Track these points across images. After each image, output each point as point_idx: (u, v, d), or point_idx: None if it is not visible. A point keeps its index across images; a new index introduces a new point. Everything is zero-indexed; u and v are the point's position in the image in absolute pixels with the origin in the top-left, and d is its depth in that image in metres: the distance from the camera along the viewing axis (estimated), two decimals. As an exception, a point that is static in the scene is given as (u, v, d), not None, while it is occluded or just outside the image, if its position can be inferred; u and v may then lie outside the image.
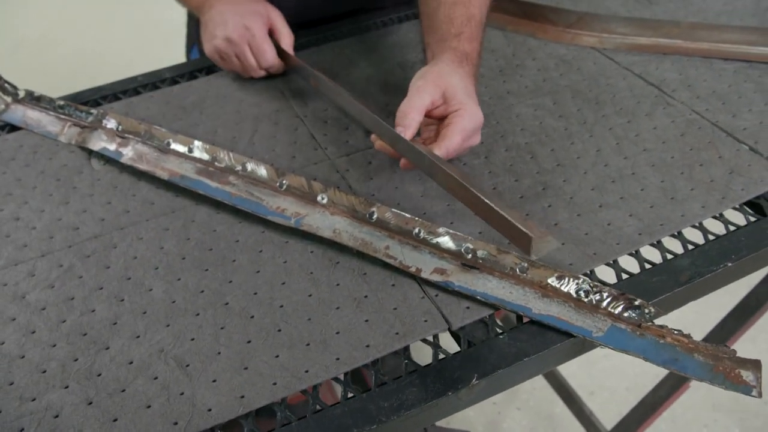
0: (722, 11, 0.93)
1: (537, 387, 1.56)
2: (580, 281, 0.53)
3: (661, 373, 1.10)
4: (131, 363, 0.52)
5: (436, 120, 0.63)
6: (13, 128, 0.78)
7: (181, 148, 0.68)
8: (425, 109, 0.61)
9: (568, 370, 1.56)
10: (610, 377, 1.57)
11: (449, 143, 0.59)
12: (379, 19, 0.95)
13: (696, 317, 1.13)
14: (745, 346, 1.58)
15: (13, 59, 2.88)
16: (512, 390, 1.55)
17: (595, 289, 0.53)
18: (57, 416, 0.48)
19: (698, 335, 0.54)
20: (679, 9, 0.94)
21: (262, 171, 0.65)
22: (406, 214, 0.59)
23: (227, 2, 0.77)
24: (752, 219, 0.61)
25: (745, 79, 0.79)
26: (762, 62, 0.82)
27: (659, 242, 0.59)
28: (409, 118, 0.59)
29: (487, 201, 0.51)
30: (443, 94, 0.62)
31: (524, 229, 0.47)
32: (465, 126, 0.61)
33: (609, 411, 1.44)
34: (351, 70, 0.84)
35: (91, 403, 0.49)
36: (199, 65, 0.87)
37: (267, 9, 0.78)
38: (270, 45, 0.77)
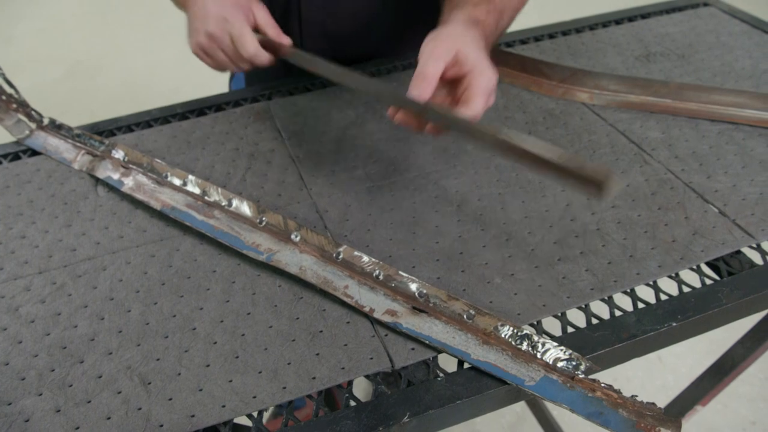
0: (719, 71, 0.95)
1: (539, 433, 1.55)
2: (521, 331, 0.56)
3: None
4: (100, 377, 0.57)
5: (446, 83, 0.63)
6: (33, 153, 0.86)
7: (177, 181, 0.74)
8: (439, 74, 0.60)
9: (570, 418, 1.55)
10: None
11: (475, 106, 0.59)
12: (383, 66, 1.00)
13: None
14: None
15: (67, 82, 3.06)
16: (513, 433, 1.55)
17: (534, 340, 0.55)
18: (27, 420, 0.53)
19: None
20: (676, 68, 0.96)
21: (245, 207, 0.70)
22: (368, 257, 0.63)
23: None
24: (707, 281, 0.63)
25: (728, 141, 0.80)
26: (748, 125, 0.83)
27: (610, 298, 0.62)
28: (426, 83, 0.59)
29: (544, 156, 0.50)
30: (455, 56, 0.61)
31: (593, 176, 0.46)
32: (486, 86, 0.60)
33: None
34: (347, 112, 0.90)
35: (59, 411, 0.54)
36: (210, 103, 0.94)
37: (250, 2, 0.77)
38: (251, 34, 0.74)
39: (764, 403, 1.58)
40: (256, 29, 0.77)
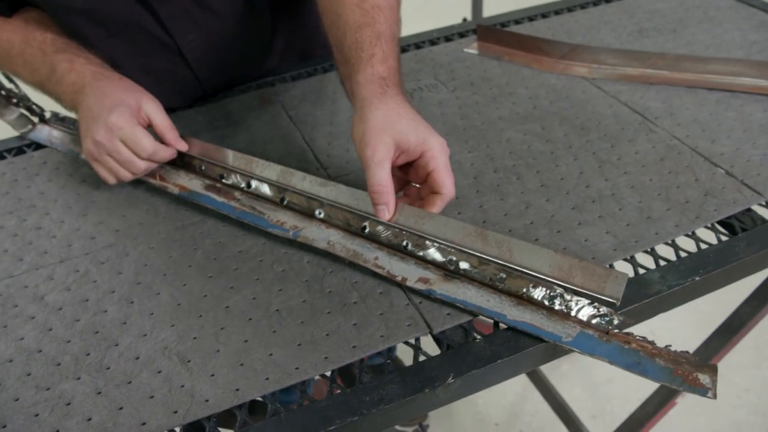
0: (710, 44, 0.98)
1: (540, 410, 1.57)
2: (554, 291, 0.57)
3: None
4: (138, 358, 0.56)
5: (396, 168, 0.63)
6: (38, 146, 0.85)
7: (192, 166, 0.74)
8: (389, 174, 0.59)
9: (573, 393, 1.58)
10: (613, 401, 1.58)
11: (450, 186, 0.60)
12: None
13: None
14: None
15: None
16: (515, 412, 1.57)
17: (566, 299, 0.56)
18: (69, 404, 0.53)
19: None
20: (668, 41, 0.99)
21: (265, 188, 0.70)
22: (397, 227, 0.63)
23: (97, 93, 0.70)
24: (723, 238, 0.65)
25: (727, 107, 0.83)
26: (744, 92, 0.86)
27: (632, 257, 0.63)
28: (385, 195, 0.59)
29: (540, 276, 0.56)
30: (396, 146, 0.59)
31: (604, 297, 0.54)
32: (444, 161, 0.60)
33: (610, 435, 1.46)
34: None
35: (100, 393, 0.54)
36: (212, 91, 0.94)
37: (139, 99, 0.70)
38: (143, 132, 0.69)
39: (757, 371, 1.62)
40: (148, 128, 0.72)
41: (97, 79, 0.71)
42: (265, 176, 0.69)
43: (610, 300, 0.53)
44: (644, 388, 1.60)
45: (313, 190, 0.66)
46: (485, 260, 0.60)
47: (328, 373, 0.54)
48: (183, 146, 0.73)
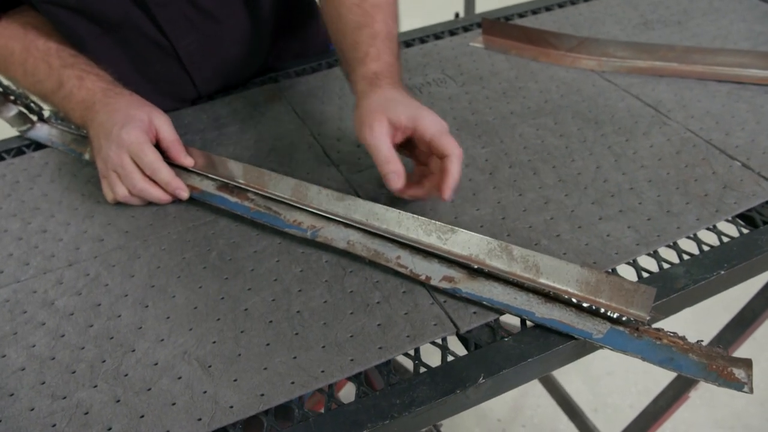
0: (717, 35, 0.97)
1: (542, 405, 1.57)
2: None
3: (663, 387, 1.12)
4: (156, 364, 0.55)
5: (401, 147, 0.66)
6: (38, 146, 0.82)
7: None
8: (391, 146, 0.62)
9: (573, 387, 1.58)
10: (613, 394, 1.59)
11: (452, 148, 0.61)
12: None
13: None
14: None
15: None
16: (517, 407, 1.57)
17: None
18: (87, 413, 0.51)
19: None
20: (675, 33, 0.98)
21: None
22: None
23: (108, 110, 0.70)
24: (744, 231, 0.64)
25: (738, 99, 0.83)
26: (754, 83, 0.85)
27: (656, 252, 0.62)
28: (392, 164, 0.61)
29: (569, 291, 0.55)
30: (390, 123, 0.62)
31: (635, 311, 0.53)
32: (439, 128, 0.61)
33: (613, 428, 1.46)
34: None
35: (119, 401, 0.52)
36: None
37: (149, 113, 0.70)
38: (153, 149, 0.69)
39: (755, 363, 1.63)
40: (157, 144, 0.71)
41: (108, 96, 0.72)
42: (278, 193, 0.67)
43: (638, 316, 0.52)
44: (644, 381, 1.61)
45: (330, 207, 0.65)
46: (512, 281, 0.58)
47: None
48: (189, 162, 0.72)
